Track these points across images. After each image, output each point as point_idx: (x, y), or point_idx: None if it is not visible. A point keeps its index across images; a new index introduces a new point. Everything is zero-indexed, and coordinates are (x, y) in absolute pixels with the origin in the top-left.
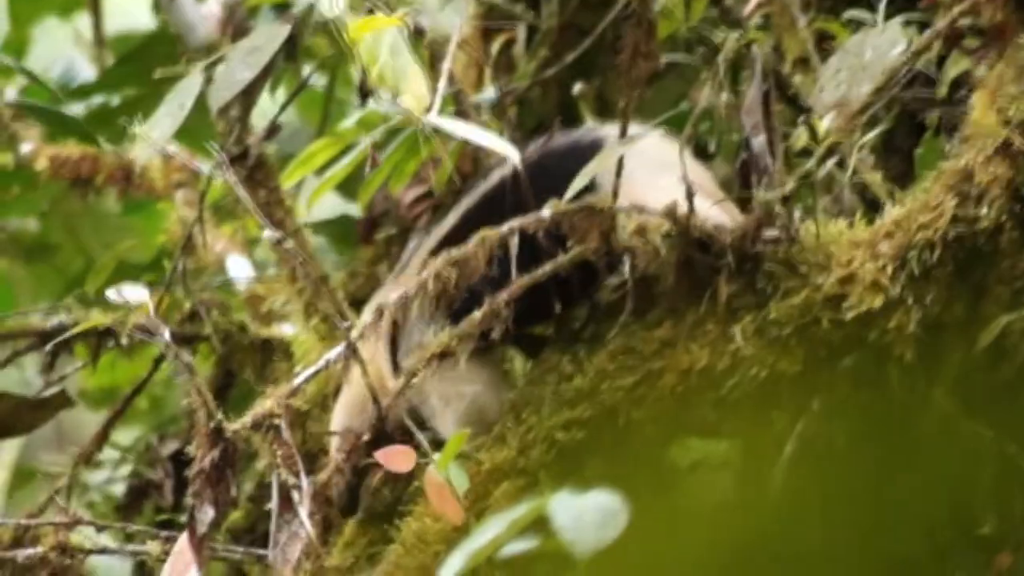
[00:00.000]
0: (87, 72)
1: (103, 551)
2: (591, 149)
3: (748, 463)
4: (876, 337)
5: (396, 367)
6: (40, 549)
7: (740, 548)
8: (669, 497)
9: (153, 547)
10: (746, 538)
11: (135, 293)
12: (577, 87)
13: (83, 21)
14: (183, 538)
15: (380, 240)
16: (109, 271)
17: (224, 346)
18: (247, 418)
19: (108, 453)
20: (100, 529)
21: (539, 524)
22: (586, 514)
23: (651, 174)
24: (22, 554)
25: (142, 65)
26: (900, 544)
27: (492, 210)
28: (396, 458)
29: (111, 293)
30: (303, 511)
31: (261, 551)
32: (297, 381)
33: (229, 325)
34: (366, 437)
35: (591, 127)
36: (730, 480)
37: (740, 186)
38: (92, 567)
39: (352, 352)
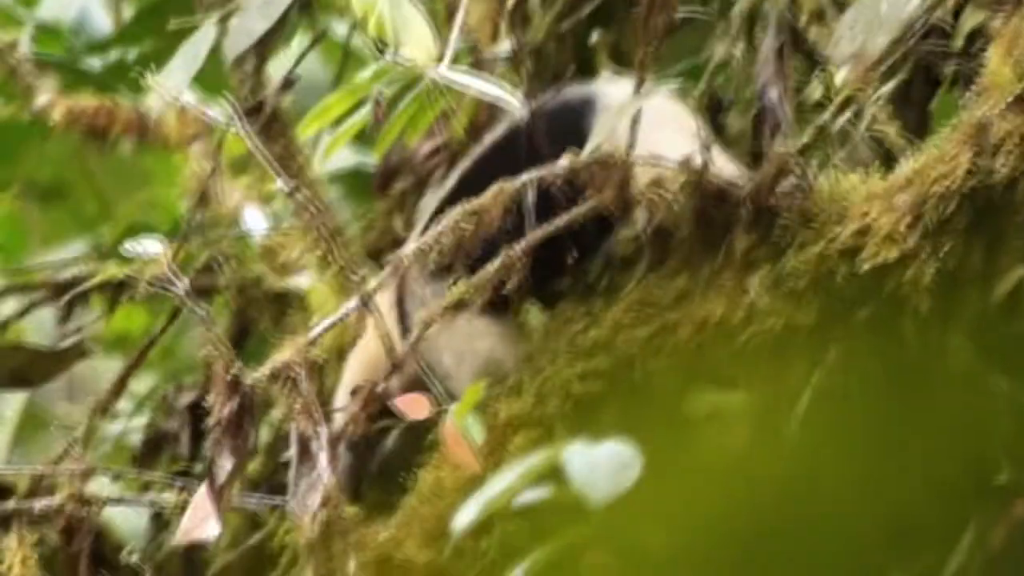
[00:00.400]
0: (101, 19)
1: (119, 501)
2: (580, 107)
3: (764, 414)
4: (892, 289)
5: (405, 329)
6: (56, 499)
7: (755, 498)
8: (685, 448)
9: (170, 497)
10: (761, 488)
11: (151, 245)
12: (593, 38)
13: None
14: (202, 488)
15: (395, 192)
16: (126, 220)
17: (240, 298)
18: (265, 369)
19: (123, 404)
20: (116, 477)
21: (553, 473)
22: (600, 463)
23: (650, 128)
24: (38, 504)
25: (159, 19)
26: (915, 494)
27: (486, 172)
28: (412, 404)
29: (128, 245)
30: (322, 460)
31: (278, 500)
32: (315, 332)
33: (245, 277)
34: (381, 387)
35: (582, 84)
36: (746, 431)
37: (753, 138)
38: (108, 517)
39: (366, 305)
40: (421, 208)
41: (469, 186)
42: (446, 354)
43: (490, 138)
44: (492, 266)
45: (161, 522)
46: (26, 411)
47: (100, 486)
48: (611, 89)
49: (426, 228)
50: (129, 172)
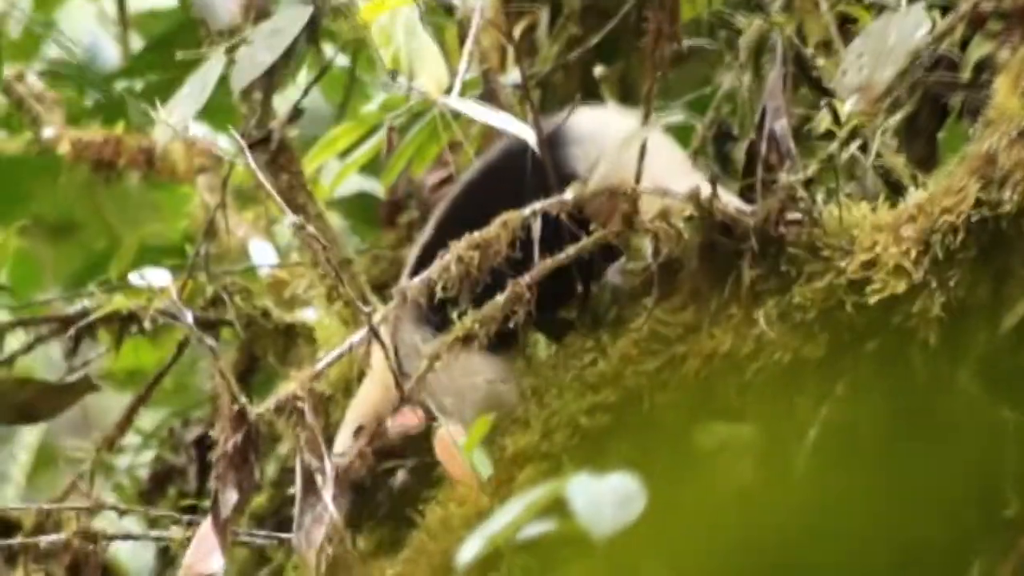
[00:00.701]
0: (111, 52)
1: (126, 537)
2: (550, 139)
3: (772, 447)
4: (900, 321)
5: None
6: (63, 535)
7: (763, 531)
8: (693, 481)
9: (176, 532)
10: (770, 522)
11: (158, 277)
12: (599, 70)
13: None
14: (206, 522)
15: (403, 224)
16: (132, 255)
17: (247, 331)
18: (271, 401)
19: (131, 438)
20: (123, 513)
21: (559, 507)
22: (603, 496)
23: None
24: (44, 540)
25: (166, 51)
26: (924, 527)
27: (464, 214)
28: (407, 417)
29: (134, 277)
30: (327, 494)
31: (284, 535)
32: (321, 364)
33: (252, 310)
34: (389, 422)
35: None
36: (754, 464)
37: (745, 171)
38: (114, 553)
39: (374, 336)
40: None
41: (448, 229)
42: (447, 395)
43: (465, 179)
44: (500, 298)
45: (167, 557)
46: (40, 448)
47: (107, 522)
48: (583, 119)
49: (413, 274)
50: (138, 207)
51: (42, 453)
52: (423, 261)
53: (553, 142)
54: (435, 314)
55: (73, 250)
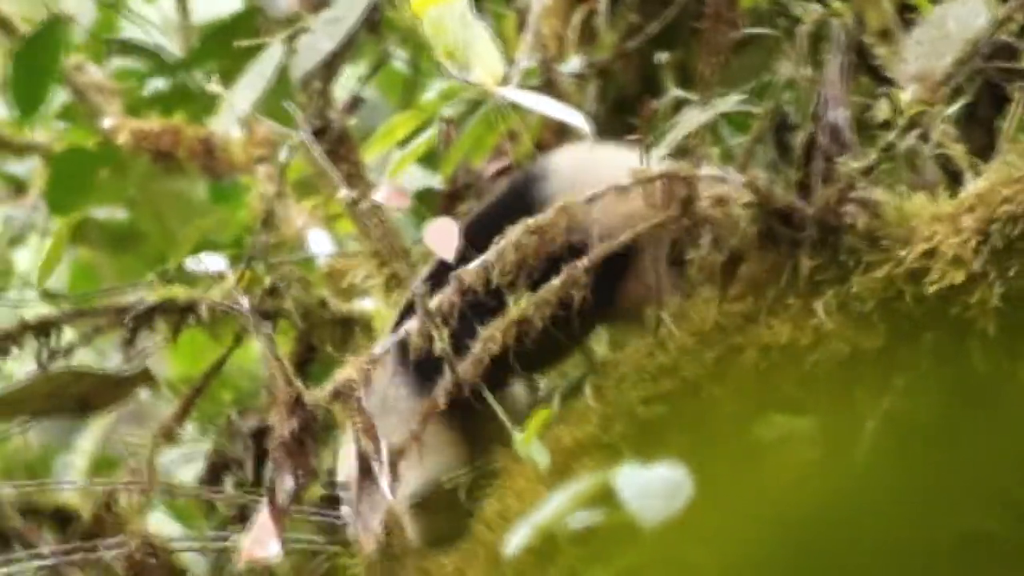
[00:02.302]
0: (171, 45)
1: (188, 548)
2: (526, 184)
3: (830, 439)
4: (958, 311)
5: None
6: (124, 543)
7: (821, 523)
8: (750, 472)
9: (236, 539)
10: (827, 513)
11: (215, 263)
12: (659, 57)
13: (169, 4)
14: (263, 508)
15: (461, 214)
16: (190, 246)
17: (305, 321)
18: (326, 388)
19: (188, 430)
20: (178, 495)
21: (610, 496)
22: (652, 485)
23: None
24: (107, 554)
25: (226, 43)
26: (982, 518)
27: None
28: None
29: (191, 263)
30: (383, 481)
31: (340, 521)
32: (377, 351)
33: (310, 300)
34: (442, 405)
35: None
36: (812, 455)
37: (804, 160)
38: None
39: (429, 321)
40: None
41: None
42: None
43: (471, 214)
44: (556, 281)
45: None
46: (100, 448)
47: (164, 518)
48: (562, 158)
49: (400, 321)
50: (195, 204)
51: (102, 457)
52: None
53: (526, 188)
54: (421, 364)
55: (133, 261)
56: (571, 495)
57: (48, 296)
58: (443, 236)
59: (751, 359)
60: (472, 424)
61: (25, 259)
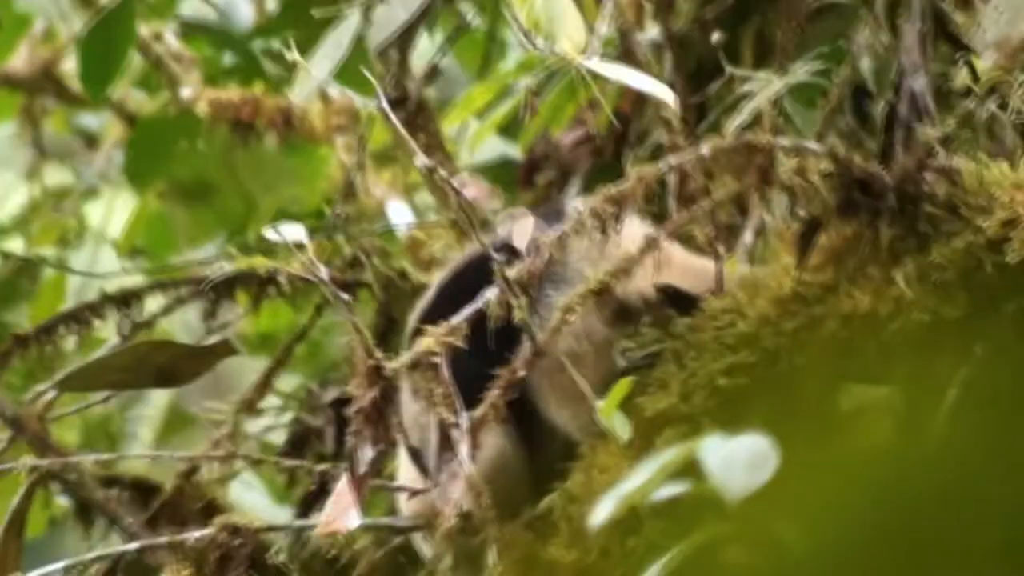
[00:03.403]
0: (246, 11)
1: (271, 529)
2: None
3: (911, 409)
4: None
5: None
6: (208, 532)
7: (901, 493)
8: (830, 443)
9: (318, 519)
10: (907, 483)
11: (294, 232)
12: (715, 37)
13: None
14: (343, 479)
15: (540, 184)
16: (269, 217)
17: (385, 292)
18: (406, 357)
19: (269, 401)
20: (258, 464)
21: (693, 468)
22: (736, 457)
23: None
24: (191, 537)
25: (302, 9)
26: None
27: (465, 282)
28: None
29: (270, 233)
30: (463, 450)
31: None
32: (456, 320)
33: (390, 271)
34: (521, 373)
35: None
36: (892, 426)
37: (883, 129)
38: (253, 515)
39: (508, 290)
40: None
41: (448, 297)
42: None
43: (470, 249)
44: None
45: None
46: (171, 410)
47: (244, 486)
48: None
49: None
50: (275, 169)
51: (173, 418)
52: (422, 326)
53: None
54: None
55: (209, 214)
56: (657, 467)
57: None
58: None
59: (831, 329)
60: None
61: (97, 213)
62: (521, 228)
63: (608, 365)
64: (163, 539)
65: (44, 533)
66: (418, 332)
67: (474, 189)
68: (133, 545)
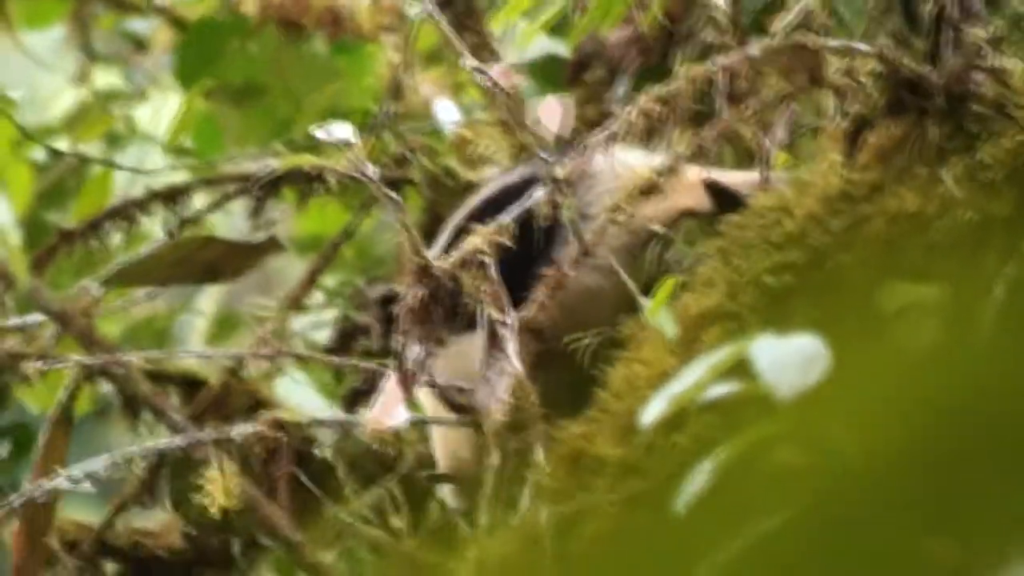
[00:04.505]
0: None
1: (317, 423)
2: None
3: (957, 307)
4: None
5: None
6: (254, 427)
7: (948, 391)
8: (877, 342)
9: (364, 416)
10: (955, 383)
11: (342, 131)
12: None
13: None
14: (391, 376)
15: (588, 82)
16: (317, 115)
17: (432, 191)
18: (454, 255)
19: (315, 299)
20: (306, 361)
21: (742, 367)
22: (788, 357)
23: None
24: (237, 432)
25: None
26: None
27: (508, 193)
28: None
29: (317, 131)
30: (510, 348)
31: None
32: (504, 218)
33: (436, 169)
34: (570, 272)
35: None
36: (938, 324)
37: (931, 29)
38: (299, 411)
39: (556, 187)
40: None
41: (492, 204)
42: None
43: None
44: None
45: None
46: (222, 308)
47: (292, 386)
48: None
49: (450, 245)
50: (321, 70)
51: (222, 317)
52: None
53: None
54: None
55: (256, 113)
56: (709, 366)
57: (175, 153)
58: (553, 113)
59: (878, 227)
60: None
61: (146, 116)
62: (548, 108)
63: (624, 300)
64: (209, 433)
65: (91, 422)
66: (462, 232)
67: (500, 72)
68: (179, 440)
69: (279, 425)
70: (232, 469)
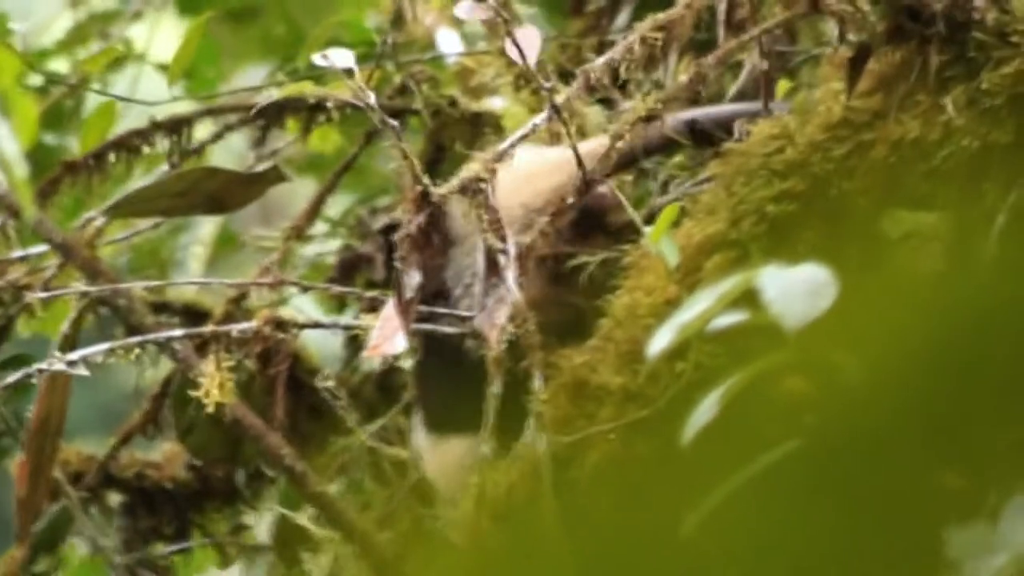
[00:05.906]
0: None
1: (315, 325)
2: None
3: (959, 234)
4: None
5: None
6: (253, 323)
7: (951, 320)
8: (879, 269)
9: (367, 320)
10: (958, 310)
11: (343, 58)
12: None
13: None
14: (389, 304)
15: (591, 12)
16: (319, 45)
17: (434, 120)
18: (453, 182)
19: (317, 227)
20: (307, 290)
21: (748, 297)
22: (795, 286)
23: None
24: (236, 328)
25: None
26: None
27: None
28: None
29: (319, 59)
30: (509, 275)
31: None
32: (504, 146)
33: (439, 99)
34: (571, 199)
35: None
36: (941, 251)
37: None
38: (303, 342)
39: (557, 116)
40: None
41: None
42: None
43: None
44: (684, 77)
45: (356, 346)
46: (220, 235)
47: (295, 311)
48: None
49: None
50: (324, 7)
51: (222, 241)
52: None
53: None
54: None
55: (252, 34)
56: (716, 296)
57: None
58: (531, 41)
59: (880, 154)
60: None
61: (142, 36)
62: (526, 36)
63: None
64: (208, 328)
65: None
66: None
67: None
68: (178, 346)
69: (277, 323)
70: (229, 363)
